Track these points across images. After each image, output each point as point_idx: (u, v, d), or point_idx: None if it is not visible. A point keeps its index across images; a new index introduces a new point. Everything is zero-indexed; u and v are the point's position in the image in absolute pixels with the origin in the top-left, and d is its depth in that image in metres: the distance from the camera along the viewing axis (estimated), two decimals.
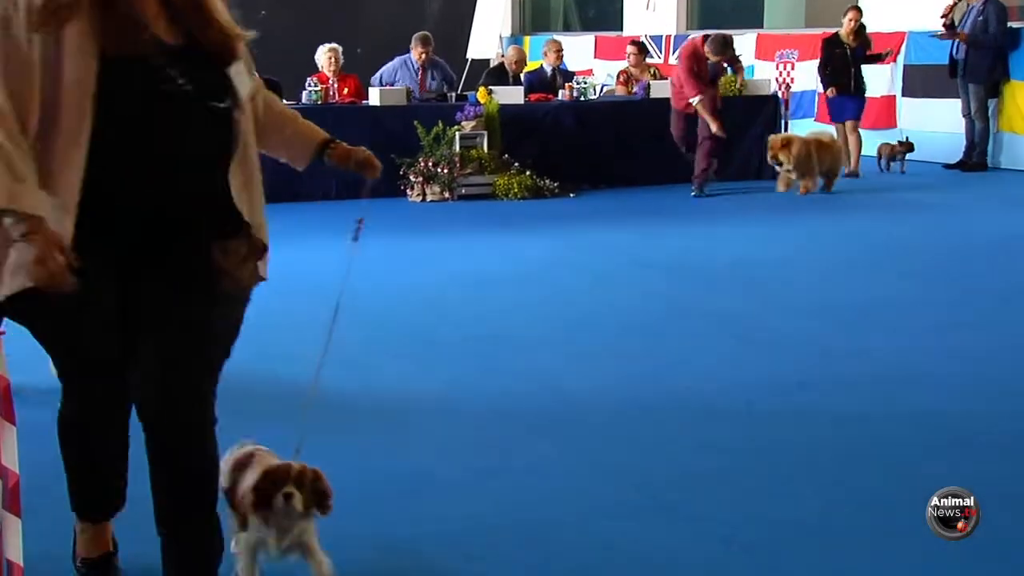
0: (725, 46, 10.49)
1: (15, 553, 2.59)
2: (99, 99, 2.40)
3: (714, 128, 10.18)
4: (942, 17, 11.91)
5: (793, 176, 10.43)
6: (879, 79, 13.15)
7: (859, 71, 11.57)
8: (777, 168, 10.50)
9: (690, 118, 10.45)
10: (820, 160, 10.48)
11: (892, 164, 11.88)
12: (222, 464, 2.86)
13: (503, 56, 13.89)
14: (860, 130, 11.75)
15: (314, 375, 2.90)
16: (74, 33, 2.37)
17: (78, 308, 2.46)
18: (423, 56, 11.35)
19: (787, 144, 10.35)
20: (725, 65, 11.05)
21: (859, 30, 11.49)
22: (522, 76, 12.01)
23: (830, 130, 11.75)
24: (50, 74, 2.36)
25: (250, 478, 2.79)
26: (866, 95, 11.76)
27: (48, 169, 2.39)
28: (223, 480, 2.87)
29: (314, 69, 10.98)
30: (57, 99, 2.37)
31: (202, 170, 2.57)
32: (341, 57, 11.01)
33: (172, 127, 2.50)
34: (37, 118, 2.38)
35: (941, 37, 11.92)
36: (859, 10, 11.62)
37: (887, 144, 11.99)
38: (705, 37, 10.60)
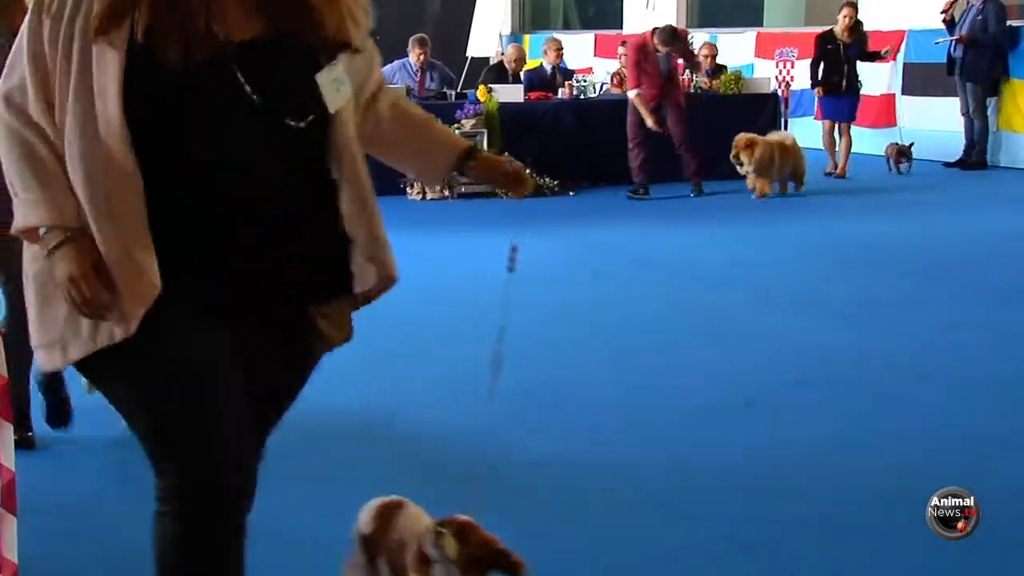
0: (673, 37, 10.22)
1: (9, 551, 2.58)
2: (153, 116, 1.99)
3: (649, 123, 10.03)
4: (942, 13, 11.91)
5: (751, 178, 10.14)
6: (879, 77, 13.15)
7: (853, 69, 11.37)
8: (738, 168, 10.20)
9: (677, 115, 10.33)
10: (782, 164, 10.19)
11: (900, 166, 11.74)
12: (364, 511, 2.61)
13: (503, 54, 13.89)
14: (859, 128, 11.75)
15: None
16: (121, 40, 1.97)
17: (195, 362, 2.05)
18: (421, 58, 11.37)
19: (751, 145, 10.05)
20: (680, 61, 10.76)
21: (855, 27, 11.32)
22: (522, 74, 12.00)
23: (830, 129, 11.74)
24: (98, 92, 1.97)
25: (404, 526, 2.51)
26: (860, 93, 11.59)
27: (107, 193, 1.98)
28: (363, 526, 2.60)
29: None
30: (106, 117, 1.97)
31: (286, 207, 2.09)
32: None
33: (243, 152, 2.04)
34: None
35: (941, 42, 11.91)
36: (854, 7, 11.52)
37: (894, 145, 11.86)
38: (655, 29, 10.43)
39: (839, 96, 11.34)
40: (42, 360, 2.10)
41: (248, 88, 2.00)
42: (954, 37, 11.69)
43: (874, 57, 11.74)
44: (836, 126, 11.59)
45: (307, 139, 2.08)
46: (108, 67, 1.95)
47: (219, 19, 1.99)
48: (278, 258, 2.10)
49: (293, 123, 2.06)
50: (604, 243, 8.14)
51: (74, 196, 1.98)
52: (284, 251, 2.10)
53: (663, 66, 10.24)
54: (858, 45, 11.41)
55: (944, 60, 12.07)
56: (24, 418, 3.87)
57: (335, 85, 2.08)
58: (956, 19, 11.84)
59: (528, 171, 2.59)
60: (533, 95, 11.29)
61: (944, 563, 3.04)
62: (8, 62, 2.05)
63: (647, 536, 3.28)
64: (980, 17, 11.60)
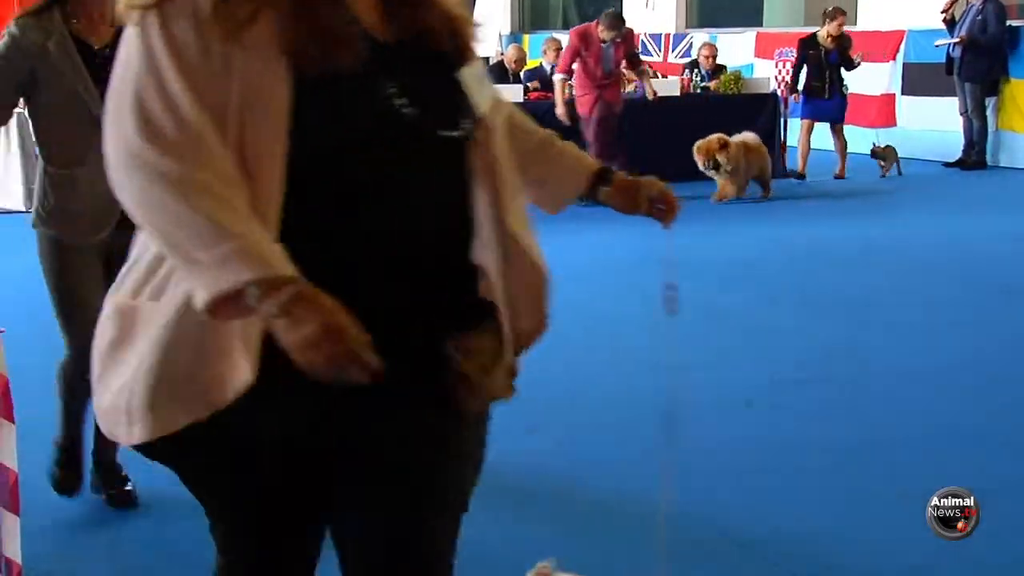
0: (617, 19, 9.62)
1: (14, 551, 2.59)
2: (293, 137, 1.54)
3: (559, 110, 9.56)
4: (942, 13, 11.91)
5: (723, 179, 9.77)
6: (878, 77, 13.16)
7: (836, 74, 11.29)
8: (712, 173, 9.70)
9: (606, 118, 9.69)
10: (749, 165, 9.92)
11: (884, 167, 11.63)
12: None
13: (503, 54, 13.89)
14: (859, 129, 11.75)
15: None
16: (262, 45, 1.53)
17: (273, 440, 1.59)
18: None
19: (724, 145, 9.63)
20: (623, 63, 10.03)
21: (840, 34, 11.23)
22: (522, 74, 12.00)
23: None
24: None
25: None
26: (847, 95, 11.51)
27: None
28: None
29: None
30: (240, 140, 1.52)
31: (444, 230, 1.68)
32: None
33: (397, 173, 1.61)
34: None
35: (941, 44, 11.90)
36: (845, 14, 11.50)
37: (875, 146, 11.82)
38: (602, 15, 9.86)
39: (823, 100, 11.22)
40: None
41: (400, 102, 1.60)
42: (954, 39, 11.69)
43: (849, 65, 11.58)
44: (813, 127, 11.42)
45: (459, 152, 1.68)
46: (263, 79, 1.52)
47: (356, 15, 1.61)
48: (422, 288, 1.66)
49: (447, 133, 1.65)
50: (604, 243, 8.14)
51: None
52: (430, 283, 1.66)
53: (606, 59, 9.62)
54: (839, 51, 11.27)
55: (944, 60, 12.09)
56: (77, 464, 3.50)
57: (479, 83, 1.73)
58: (956, 19, 11.84)
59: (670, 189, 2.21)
60: (533, 95, 11.29)
61: (944, 563, 3.05)
62: (117, 89, 1.54)
63: (647, 536, 3.29)
64: (980, 17, 11.60)
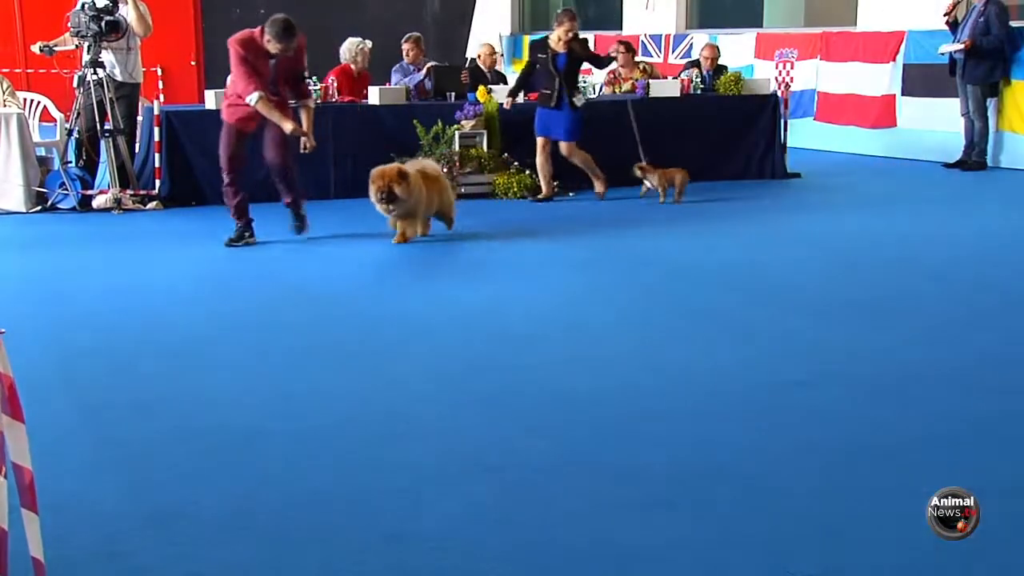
0: (284, 31, 7.53)
1: (38, 550, 2.59)
2: None
3: (287, 128, 7.69)
4: (944, 15, 11.92)
5: (395, 213, 7.93)
6: (879, 78, 13.18)
7: (569, 83, 9.87)
8: (382, 207, 7.87)
9: (243, 133, 7.90)
10: (429, 198, 8.06)
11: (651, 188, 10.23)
12: None
13: (503, 55, 13.91)
14: (859, 129, 11.70)
15: None
16: None
17: None
18: (410, 54, 11.39)
19: (404, 176, 7.74)
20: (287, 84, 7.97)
21: (574, 39, 9.81)
22: (502, 71, 12.03)
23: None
24: None
25: None
26: (580, 106, 9.92)
27: None
28: None
29: (313, 68, 10.98)
30: None
31: None
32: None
33: None
34: None
35: (946, 51, 11.90)
36: (574, 19, 9.89)
37: (640, 164, 10.27)
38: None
39: (550, 110, 9.91)
40: None
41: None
42: (959, 45, 11.66)
43: (602, 62, 10.71)
44: (546, 141, 10.03)
45: None
46: None
47: None
48: None
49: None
50: (603, 244, 8.14)
51: None
52: None
53: (272, 76, 7.75)
54: (570, 56, 9.83)
55: (944, 61, 12.09)
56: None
57: None
58: (958, 21, 11.85)
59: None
60: (533, 96, 11.29)
61: (943, 563, 3.05)
62: None
63: (647, 535, 3.29)
64: (982, 19, 11.60)
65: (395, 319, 5.88)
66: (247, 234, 8.01)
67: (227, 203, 8.01)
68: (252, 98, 7.57)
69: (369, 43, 11.17)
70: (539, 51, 9.94)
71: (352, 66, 10.99)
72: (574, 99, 9.86)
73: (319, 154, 8.92)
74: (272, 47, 7.62)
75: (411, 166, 8.10)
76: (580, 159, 10.12)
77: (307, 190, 9.12)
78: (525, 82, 10.19)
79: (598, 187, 10.26)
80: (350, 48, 11.06)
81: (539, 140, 10.06)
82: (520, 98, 10.54)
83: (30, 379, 4.41)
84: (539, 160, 10.12)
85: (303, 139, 7.85)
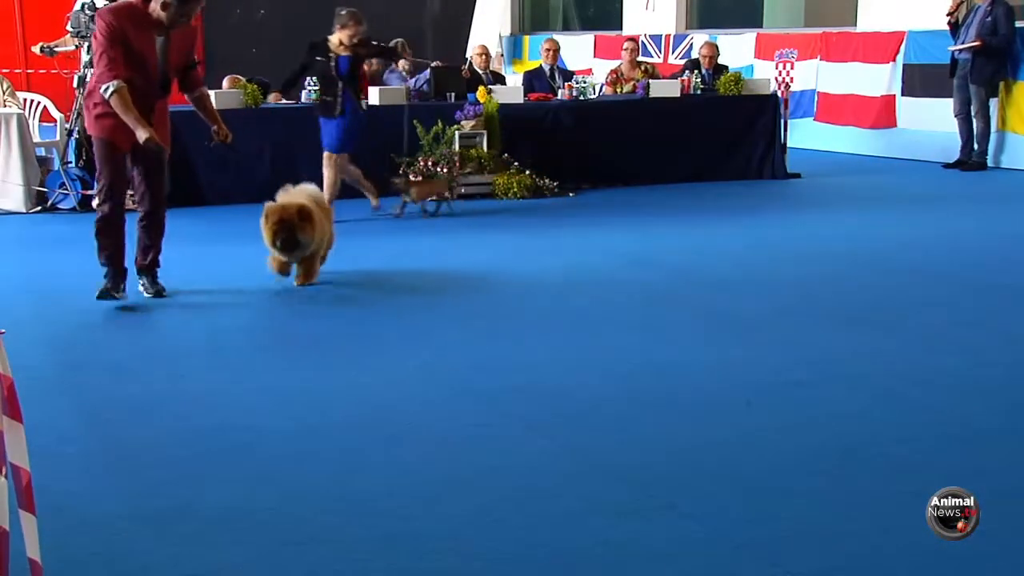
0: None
1: (35, 552, 2.59)
2: None
3: (141, 136, 5.80)
4: (948, 15, 11.89)
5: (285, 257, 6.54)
6: (879, 78, 13.17)
7: (353, 88, 8.93)
8: (280, 254, 6.46)
9: (117, 150, 6.09)
10: (325, 231, 6.78)
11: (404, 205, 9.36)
12: None
13: (503, 55, 13.91)
14: (859, 129, 11.65)
15: None
16: None
17: None
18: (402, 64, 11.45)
19: (307, 216, 6.39)
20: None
21: (363, 43, 8.99)
22: (499, 72, 12.04)
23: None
24: None
25: None
26: (362, 114, 9.01)
27: None
28: None
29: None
30: None
31: None
32: None
33: None
34: None
35: (956, 49, 11.86)
36: (359, 24, 8.92)
37: (397, 181, 9.44)
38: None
39: (330, 119, 8.98)
40: None
41: None
42: (970, 44, 11.62)
43: (389, 54, 10.23)
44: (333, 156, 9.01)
45: None
46: None
47: None
48: None
49: None
50: (603, 244, 8.14)
51: None
52: None
53: (163, 51, 6.06)
54: (354, 60, 8.93)
55: (943, 61, 12.08)
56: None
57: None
58: (960, 21, 11.84)
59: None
60: (533, 96, 11.30)
61: (943, 563, 3.05)
62: None
63: (647, 536, 3.29)
64: (989, 19, 11.59)
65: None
66: (119, 287, 6.19)
67: (98, 242, 6.15)
68: (107, 89, 5.74)
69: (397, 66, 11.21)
70: (317, 52, 8.94)
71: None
72: (362, 103, 9.02)
73: (321, 154, 8.94)
74: (167, 13, 5.75)
75: (300, 195, 6.63)
76: (345, 173, 9.11)
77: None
78: (295, 82, 9.65)
79: (372, 201, 9.37)
80: None
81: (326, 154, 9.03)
82: (520, 97, 10.50)
83: (30, 379, 4.41)
84: (331, 174, 8.96)
85: (221, 131, 6.29)
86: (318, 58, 8.91)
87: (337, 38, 8.90)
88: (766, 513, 3.42)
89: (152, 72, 5.95)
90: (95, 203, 5.63)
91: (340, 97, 8.85)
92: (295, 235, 6.32)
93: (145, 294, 6.32)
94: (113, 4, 6.03)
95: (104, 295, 6.10)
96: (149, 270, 6.42)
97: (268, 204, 6.41)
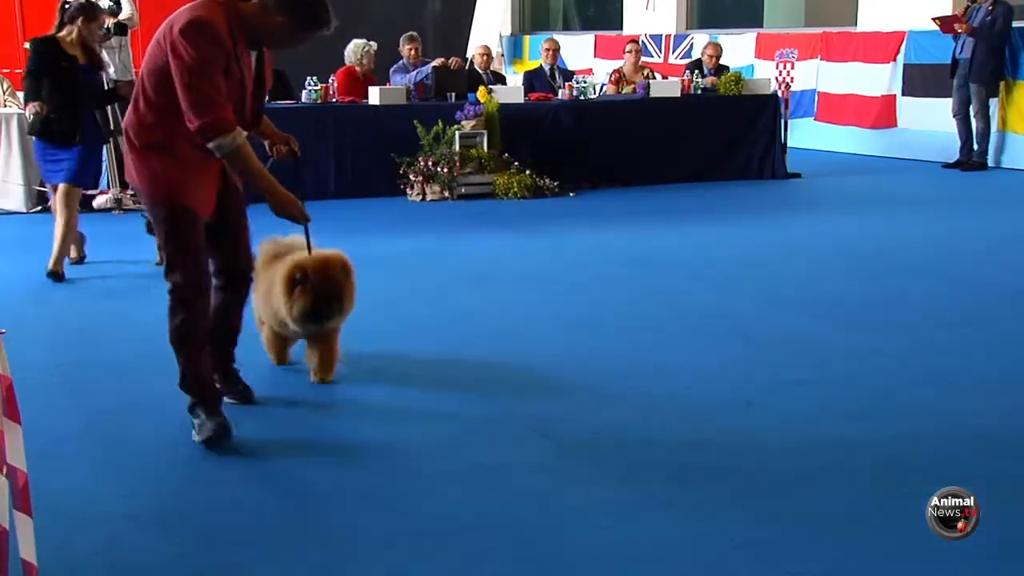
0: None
1: (29, 553, 2.58)
2: None
3: (282, 207, 4.09)
4: (957, 24, 11.82)
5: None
6: (879, 78, 13.17)
7: (98, 105, 7.33)
8: (310, 326, 4.62)
9: (196, 218, 4.19)
10: None
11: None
12: None
13: (503, 55, 13.90)
14: (859, 129, 11.54)
15: None
16: None
17: None
18: (412, 53, 11.35)
19: (349, 272, 4.68)
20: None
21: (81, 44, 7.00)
22: (499, 72, 12.02)
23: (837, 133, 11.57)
24: None
25: None
26: (119, 143, 7.76)
27: None
28: None
29: (312, 68, 10.99)
30: None
31: None
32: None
33: None
34: None
35: (944, 30, 11.81)
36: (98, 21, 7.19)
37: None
38: None
39: (69, 147, 6.90)
40: None
41: None
42: (963, 27, 11.61)
43: (111, 98, 7.49)
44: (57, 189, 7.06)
45: None
46: None
47: None
48: None
49: None
50: (604, 244, 8.14)
51: None
52: None
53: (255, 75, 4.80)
54: (95, 69, 7.05)
55: (944, 61, 12.08)
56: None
57: None
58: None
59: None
60: (533, 96, 11.30)
61: (943, 563, 3.05)
62: None
63: (648, 536, 3.29)
64: (989, 18, 11.60)
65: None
66: (224, 417, 4.10)
67: (183, 357, 4.14)
68: (221, 145, 3.84)
69: (375, 44, 11.17)
70: (53, 58, 6.91)
71: (357, 68, 10.99)
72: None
73: (321, 153, 8.95)
74: (289, 20, 3.92)
75: (299, 245, 4.66)
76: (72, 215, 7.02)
77: (307, 190, 9.11)
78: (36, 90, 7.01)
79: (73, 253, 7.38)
80: (355, 50, 11.05)
81: (64, 188, 7.02)
82: (520, 97, 10.48)
83: (30, 380, 4.41)
84: (67, 219, 7.00)
85: (278, 141, 4.54)
86: (61, 64, 6.94)
87: (68, 38, 6.98)
88: (766, 513, 3.42)
89: (248, 106, 4.12)
90: (171, 311, 4.01)
91: (80, 118, 6.98)
92: (340, 301, 4.54)
93: (229, 400, 4.38)
94: (195, 10, 3.85)
95: (217, 439, 4.00)
96: (228, 366, 4.52)
97: (297, 258, 4.52)
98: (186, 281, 3.99)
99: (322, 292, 4.47)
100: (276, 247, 4.84)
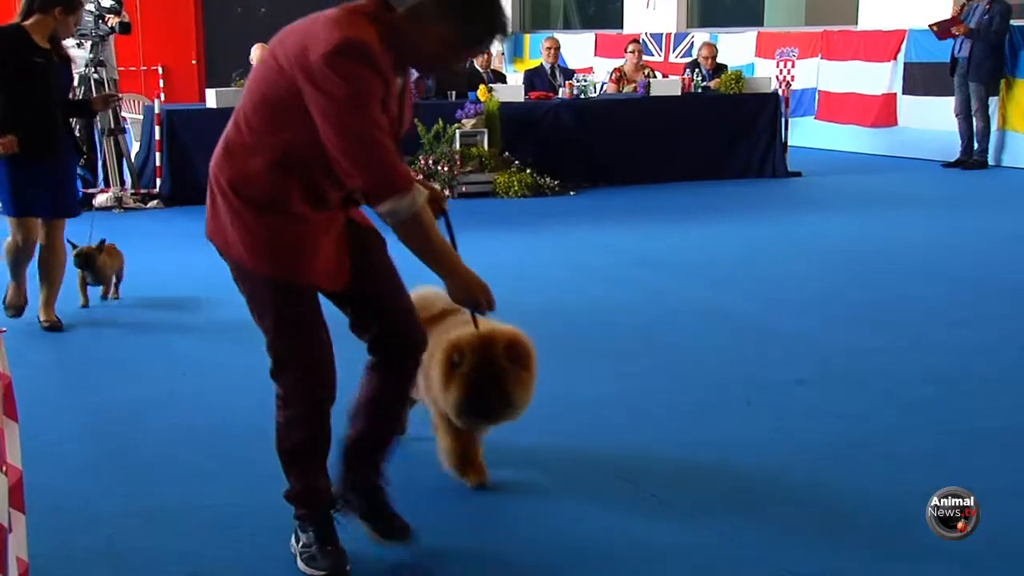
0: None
1: (21, 550, 2.59)
2: None
3: (463, 293, 3.23)
4: (954, 28, 11.81)
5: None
6: (880, 77, 13.16)
7: (67, 109, 5.88)
8: (483, 423, 3.62)
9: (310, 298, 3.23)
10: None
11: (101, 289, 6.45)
12: None
13: (503, 54, 13.89)
14: (859, 128, 11.49)
15: None
16: None
17: None
18: None
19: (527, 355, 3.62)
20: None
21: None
22: (499, 71, 12.01)
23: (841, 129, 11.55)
24: None
25: None
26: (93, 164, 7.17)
27: None
28: None
29: None
30: None
31: None
32: None
33: None
34: None
35: (941, 37, 11.84)
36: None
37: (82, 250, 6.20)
38: None
39: (44, 163, 5.59)
40: None
41: None
42: (960, 28, 11.59)
43: (80, 110, 6.47)
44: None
45: None
46: None
47: None
48: None
49: None
50: (604, 243, 8.14)
51: None
52: None
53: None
54: (66, 65, 5.87)
55: (945, 60, 12.07)
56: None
57: None
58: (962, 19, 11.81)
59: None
60: (533, 95, 11.30)
61: (943, 563, 3.05)
62: None
63: (648, 536, 3.29)
64: (986, 17, 11.59)
65: None
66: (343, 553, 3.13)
67: (297, 478, 3.18)
68: (403, 206, 2.96)
69: None
70: (23, 52, 5.54)
71: None
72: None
73: None
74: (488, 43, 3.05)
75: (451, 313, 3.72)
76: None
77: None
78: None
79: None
80: None
81: (23, 223, 5.71)
82: (521, 96, 10.48)
83: (30, 378, 4.42)
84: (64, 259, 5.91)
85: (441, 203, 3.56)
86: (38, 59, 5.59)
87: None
88: (766, 512, 3.42)
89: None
90: (282, 425, 3.11)
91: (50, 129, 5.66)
92: (506, 394, 3.45)
93: (377, 539, 3.23)
94: (350, 27, 2.83)
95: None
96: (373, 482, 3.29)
97: (459, 335, 3.46)
98: (304, 386, 3.02)
99: (483, 381, 3.39)
100: (427, 301, 3.72)
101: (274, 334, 3.00)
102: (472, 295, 3.15)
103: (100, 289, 6.36)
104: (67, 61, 5.88)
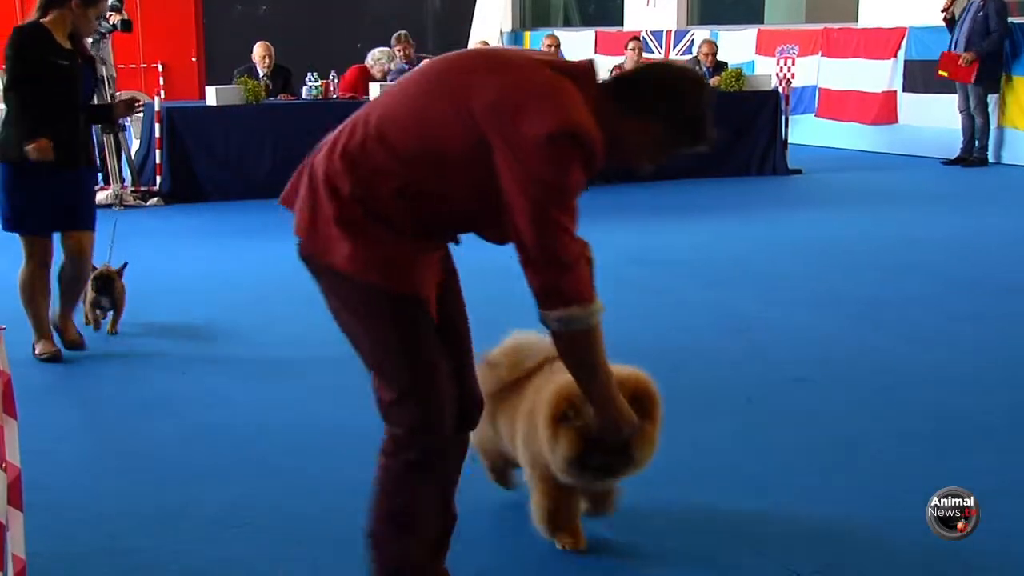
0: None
1: (18, 548, 2.59)
2: None
3: (614, 424, 2.94)
4: (942, 12, 11.89)
5: None
6: (880, 74, 13.15)
7: (90, 114, 5.37)
8: (599, 482, 3.18)
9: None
10: None
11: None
12: None
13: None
14: (860, 126, 11.52)
15: None
16: None
17: None
18: (400, 52, 11.41)
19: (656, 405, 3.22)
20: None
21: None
22: None
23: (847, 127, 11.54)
24: None
25: None
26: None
27: None
28: None
29: (312, 65, 11.00)
30: None
31: None
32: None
33: None
34: None
35: (949, 76, 11.79)
36: None
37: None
38: None
39: (67, 172, 5.08)
40: None
41: None
42: (969, 56, 11.57)
43: (103, 116, 5.97)
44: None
45: None
46: None
47: None
48: None
49: None
50: (603, 242, 8.07)
51: None
52: None
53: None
54: (91, 66, 5.40)
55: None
56: None
57: None
58: (956, 16, 11.82)
59: None
60: None
61: (943, 563, 3.05)
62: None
63: (648, 537, 3.29)
64: (981, 14, 11.59)
65: None
66: None
67: (395, 561, 2.76)
68: (580, 316, 2.89)
69: (398, 59, 11.23)
70: (46, 52, 4.99)
71: (371, 70, 11.16)
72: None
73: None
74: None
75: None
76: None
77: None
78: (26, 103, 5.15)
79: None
80: (379, 55, 11.20)
81: (40, 243, 5.18)
82: None
83: (30, 377, 4.42)
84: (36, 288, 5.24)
85: None
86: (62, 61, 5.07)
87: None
88: (767, 511, 3.42)
89: None
90: (400, 475, 2.73)
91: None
92: (627, 449, 3.01)
93: None
94: (563, 95, 2.58)
95: None
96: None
97: (569, 389, 3.05)
98: (432, 421, 2.59)
99: (599, 436, 2.94)
100: (527, 350, 3.53)
101: (393, 359, 2.59)
102: (619, 432, 2.83)
103: (108, 323, 5.65)
104: (91, 62, 5.42)
